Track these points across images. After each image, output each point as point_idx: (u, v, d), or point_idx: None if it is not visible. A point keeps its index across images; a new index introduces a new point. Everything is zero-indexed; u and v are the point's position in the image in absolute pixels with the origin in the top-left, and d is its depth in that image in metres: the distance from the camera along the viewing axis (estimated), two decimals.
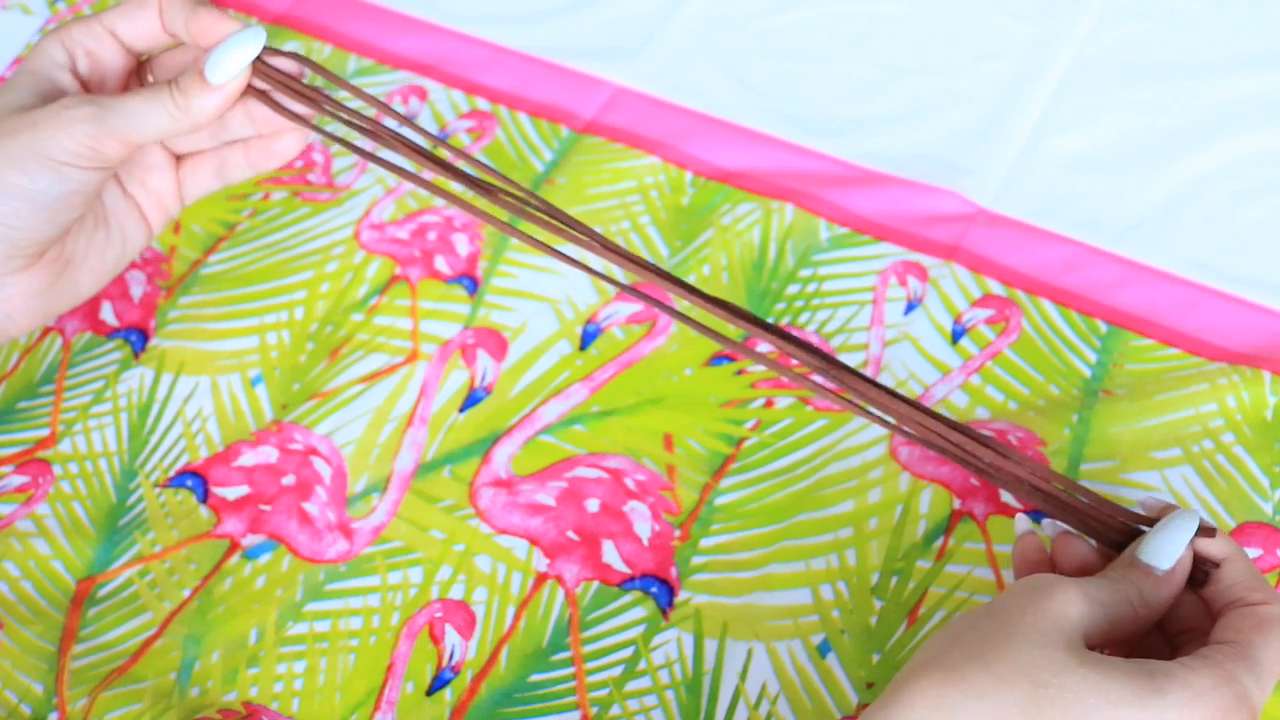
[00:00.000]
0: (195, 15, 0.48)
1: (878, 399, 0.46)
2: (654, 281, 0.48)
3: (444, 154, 0.63)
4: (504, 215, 0.54)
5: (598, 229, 0.61)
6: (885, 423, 0.47)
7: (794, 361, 0.53)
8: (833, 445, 0.54)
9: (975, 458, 0.46)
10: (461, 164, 0.50)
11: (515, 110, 0.66)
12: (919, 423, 0.46)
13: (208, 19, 0.48)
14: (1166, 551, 0.41)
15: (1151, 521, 0.43)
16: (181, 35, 0.49)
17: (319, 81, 0.65)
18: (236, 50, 0.47)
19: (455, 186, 0.52)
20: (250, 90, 0.49)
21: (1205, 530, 0.42)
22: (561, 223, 0.48)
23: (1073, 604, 0.39)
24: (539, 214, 0.49)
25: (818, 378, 0.48)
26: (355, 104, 0.64)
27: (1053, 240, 0.60)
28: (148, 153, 0.52)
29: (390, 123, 0.63)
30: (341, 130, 0.62)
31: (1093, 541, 0.44)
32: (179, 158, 0.53)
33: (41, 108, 0.46)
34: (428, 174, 0.57)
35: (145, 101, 0.47)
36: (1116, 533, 0.44)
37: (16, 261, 0.47)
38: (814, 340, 0.57)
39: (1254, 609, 0.40)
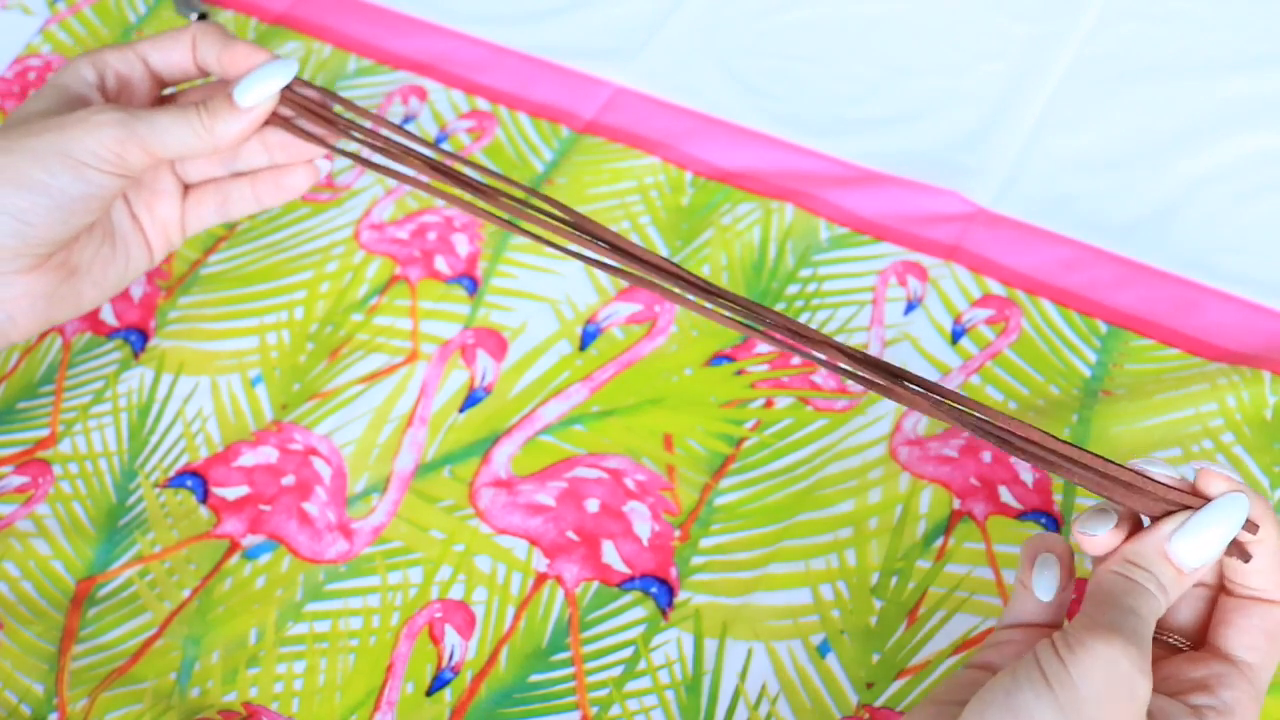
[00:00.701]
0: (229, 47, 0.50)
1: (894, 388, 0.43)
2: (663, 278, 0.47)
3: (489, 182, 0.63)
4: (536, 229, 0.53)
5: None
6: (912, 402, 0.44)
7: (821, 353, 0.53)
8: (833, 445, 0.54)
9: (1012, 435, 0.42)
10: (471, 172, 0.50)
11: (515, 110, 0.66)
12: (941, 404, 0.43)
13: (241, 51, 0.50)
14: (1201, 554, 0.38)
15: (1186, 496, 0.40)
16: (213, 67, 0.51)
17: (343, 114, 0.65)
18: (268, 79, 0.49)
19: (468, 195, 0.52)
20: (274, 118, 0.50)
21: (1249, 526, 0.39)
22: (573, 224, 0.48)
23: (1148, 686, 0.36)
24: (554, 218, 0.49)
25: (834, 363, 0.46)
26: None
27: (1053, 240, 0.60)
28: (159, 178, 0.52)
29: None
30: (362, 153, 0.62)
31: (1118, 509, 0.40)
32: (186, 189, 0.53)
33: (69, 113, 0.47)
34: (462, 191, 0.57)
35: (172, 117, 0.48)
36: (1151, 503, 0.40)
37: (25, 260, 0.48)
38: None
39: (1272, 612, 0.39)
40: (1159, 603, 0.38)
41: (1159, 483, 0.40)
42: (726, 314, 0.46)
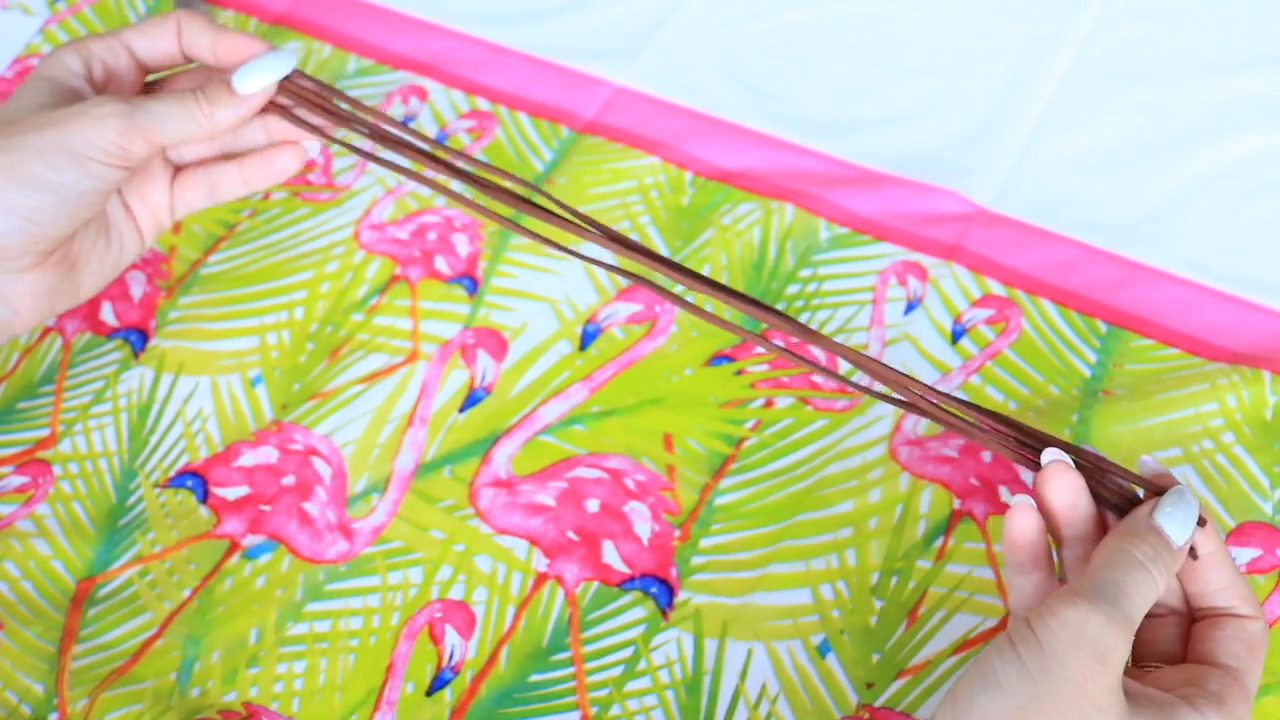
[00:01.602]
0: (222, 36, 0.50)
1: (889, 379, 0.45)
2: (665, 273, 0.47)
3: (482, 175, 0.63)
4: (535, 225, 0.53)
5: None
6: (899, 402, 0.46)
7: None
8: (833, 445, 0.54)
9: (977, 427, 0.44)
10: (481, 173, 0.50)
11: (515, 110, 0.66)
12: (924, 398, 0.45)
13: (235, 39, 0.50)
14: (1182, 523, 0.40)
15: (1146, 484, 0.42)
16: (205, 55, 0.51)
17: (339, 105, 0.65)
18: (268, 69, 0.49)
19: (466, 191, 0.52)
20: (271, 106, 0.50)
21: (1199, 518, 0.41)
22: (574, 217, 0.48)
23: (1121, 651, 0.37)
24: (552, 210, 0.49)
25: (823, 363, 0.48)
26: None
27: (1053, 240, 0.60)
28: (151, 163, 0.52)
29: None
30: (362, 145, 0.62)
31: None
32: (176, 170, 0.53)
33: (66, 107, 0.47)
34: (456, 185, 0.57)
35: (172, 105, 0.48)
36: (1110, 493, 0.42)
37: (29, 259, 0.48)
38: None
39: (1243, 625, 0.40)
40: (1150, 577, 0.38)
41: (1119, 470, 0.42)
42: (725, 318, 0.46)
